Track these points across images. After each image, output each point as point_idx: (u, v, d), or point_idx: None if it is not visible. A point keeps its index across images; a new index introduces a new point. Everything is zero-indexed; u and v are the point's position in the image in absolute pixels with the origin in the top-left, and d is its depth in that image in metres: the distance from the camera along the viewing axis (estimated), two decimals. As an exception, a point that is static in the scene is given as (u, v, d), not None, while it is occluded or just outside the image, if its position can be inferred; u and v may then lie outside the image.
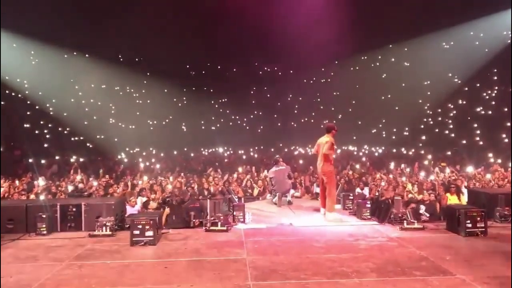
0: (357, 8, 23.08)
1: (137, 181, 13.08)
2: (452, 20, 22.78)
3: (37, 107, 22.97)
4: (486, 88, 24.90)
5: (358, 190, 11.78)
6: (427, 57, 25.42)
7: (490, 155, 17.72)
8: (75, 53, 24.32)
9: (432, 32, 23.98)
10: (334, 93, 30.39)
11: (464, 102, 25.62)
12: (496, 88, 24.52)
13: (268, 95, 30.63)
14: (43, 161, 17.90)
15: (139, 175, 14.45)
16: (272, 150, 24.88)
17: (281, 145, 26.87)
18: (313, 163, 18.65)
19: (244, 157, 22.22)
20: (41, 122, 23.21)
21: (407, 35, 24.35)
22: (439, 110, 25.76)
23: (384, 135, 27.07)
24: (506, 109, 22.16)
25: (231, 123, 29.70)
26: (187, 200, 9.67)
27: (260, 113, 30.28)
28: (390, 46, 26.81)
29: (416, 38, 24.58)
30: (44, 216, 8.09)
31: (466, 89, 25.49)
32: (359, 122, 28.10)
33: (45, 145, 21.66)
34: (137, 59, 27.91)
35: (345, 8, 22.84)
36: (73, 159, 18.77)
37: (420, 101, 26.31)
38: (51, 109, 23.36)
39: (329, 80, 30.34)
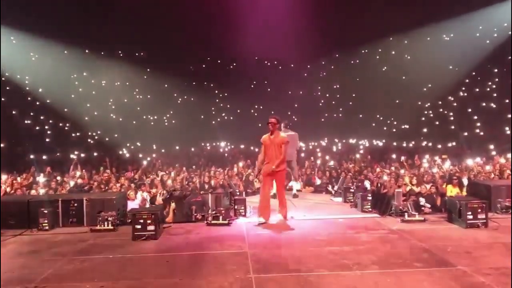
0: (356, 1, 23.03)
1: (139, 176, 13.12)
2: (452, 12, 22.69)
3: (37, 103, 22.97)
4: (487, 80, 24.83)
5: (366, 183, 11.78)
6: (427, 50, 25.35)
7: (492, 147, 17.68)
8: (75, 49, 24.26)
9: (432, 24, 23.91)
10: (335, 87, 30.34)
11: (465, 94, 25.56)
12: (497, 80, 24.45)
13: (269, 89, 30.55)
14: (44, 157, 17.96)
15: (141, 170, 14.49)
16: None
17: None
18: (314, 154, 18.78)
19: (245, 151, 22.22)
20: (42, 118, 23.22)
21: (407, 27, 24.27)
22: (440, 103, 25.70)
23: (385, 128, 27.04)
24: (507, 101, 22.11)
25: (231, 118, 29.66)
26: (189, 194, 9.69)
27: (261, 107, 30.24)
28: (391, 38, 26.74)
29: (416, 30, 24.51)
30: (46, 211, 8.12)
31: (467, 81, 25.44)
32: (360, 116, 28.06)
33: (46, 141, 21.69)
34: (137, 54, 27.85)
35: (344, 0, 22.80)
36: (74, 155, 18.79)
37: (421, 93, 26.23)
38: (51, 105, 23.35)
39: (329, 73, 30.24)
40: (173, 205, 9.07)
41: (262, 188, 8.63)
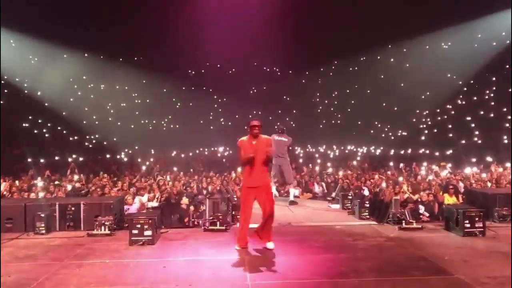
0: (356, 9, 23.13)
1: (137, 180, 13.09)
2: (451, 21, 22.83)
3: (36, 106, 22.95)
4: (485, 88, 24.94)
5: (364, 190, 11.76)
6: (426, 58, 25.46)
7: (490, 159, 17.65)
8: (74, 52, 24.30)
9: (431, 32, 24.05)
10: (333, 94, 30.43)
11: (463, 102, 25.66)
12: (495, 88, 24.55)
13: (267, 95, 30.62)
14: (42, 160, 17.95)
15: (139, 174, 14.49)
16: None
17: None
18: (312, 161, 18.76)
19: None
20: (40, 121, 23.20)
21: (406, 35, 24.39)
22: (438, 110, 25.79)
23: (383, 135, 27.11)
24: (505, 109, 22.19)
25: (230, 123, 29.71)
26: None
27: (259, 113, 30.29)
28: (389, 46, 26.85)
29: (415, 38, 24.64)
30: (43, 215, 8.09)
31: (465, 89, 25.54)
32: (359, 123, 28.12)
33: (45, 144, 21.67)
34: (136, 59, 27.90)
35: (344, 8, 22.89)
36: (71, 158, 18.77)
37: (419, 101, 26.32)
38: (50, 108, 23.34)
39: (328, 80, 30.32)
40: (191, 208, 9.14)
41: (243, 209, 6.84)
